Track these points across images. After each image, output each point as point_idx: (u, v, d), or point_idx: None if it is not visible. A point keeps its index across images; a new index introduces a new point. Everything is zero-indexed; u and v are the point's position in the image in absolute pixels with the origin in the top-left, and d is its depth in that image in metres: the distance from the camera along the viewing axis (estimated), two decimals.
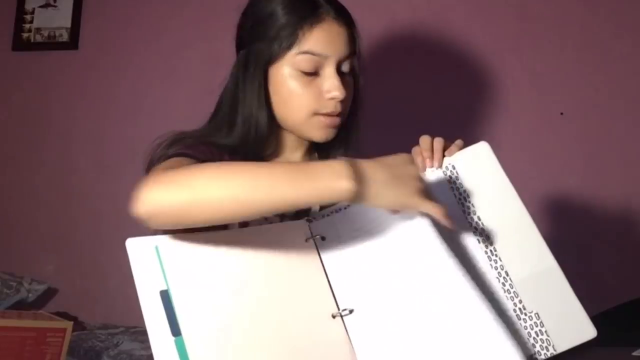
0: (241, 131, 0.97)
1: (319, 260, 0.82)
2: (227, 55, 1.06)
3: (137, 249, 0.70)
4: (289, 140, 1.04)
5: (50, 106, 2.18)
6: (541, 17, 1.79)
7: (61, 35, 2.18)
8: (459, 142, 0.88)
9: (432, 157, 0.87)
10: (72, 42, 2.17)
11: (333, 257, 0.83)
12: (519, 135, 1.71)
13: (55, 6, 2.20)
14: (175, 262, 0.71)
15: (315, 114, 0.94)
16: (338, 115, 0.95)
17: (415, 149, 0.89)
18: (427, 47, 1.86)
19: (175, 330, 0.68)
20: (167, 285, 0.69)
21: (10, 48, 2.21)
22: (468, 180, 0.86)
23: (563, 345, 0.76)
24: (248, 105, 0.97)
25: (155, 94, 2.07)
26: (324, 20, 0.93)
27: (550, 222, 1.68)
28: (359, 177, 0.69)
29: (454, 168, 0.87)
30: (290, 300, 0.78)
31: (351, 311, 0.78)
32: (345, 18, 0.96)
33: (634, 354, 0.91)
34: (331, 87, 0.93)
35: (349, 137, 1.03)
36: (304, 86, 0.93)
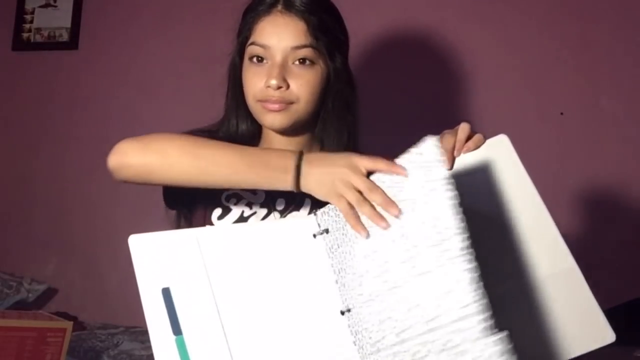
0: (226, 127, 1.06)
1: (326, 256, 0.80)
2: (227, 55, 1.07)
3: (140, 245, 0.71)
4: (275, 138, 1.06)
5: (50, 106, 2.18)
6: (541, 17, 1.79)
7: (61, 35, 2.18)
8: (478, 137, 0.87)
9: (447, 157, 0.84)
10: (72, 42, 2.17)
11: (337, 250, 0.81)
12: (519, 135, 1.70)
13: (55, 6, 2.20)
14: (177, 260, 0.72)
15: (258, 100, 0.99)
16: (280, 102, 0.97)
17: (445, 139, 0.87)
18: (425, 46, 1.86)
19: (176, 329, 0.68)
20: (169, 282, 0.69)
21: (10, 48, 2.22)
22: (485, 175, 0.83)
23: (580, 349, 0.74)
24: (229, 98, 1.07)
25: (155, 93, 2.07)
26: (271, 13, 0.98)
27: None
28: (301, 171, 0.81)
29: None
30: (294, 299, 0.77)
31: (349, 309, 0.77)
32: (298, 11, 0.97)
33: (636, 354, 0.91)
34: (269, 75, 0.96)
35: (338, 130, 1.04)
36: (251, 73, 0.99)
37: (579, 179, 1.71)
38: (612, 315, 1.35)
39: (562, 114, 1.75)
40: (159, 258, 0.71)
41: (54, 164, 2.15)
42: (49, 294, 2.05)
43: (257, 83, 0.98)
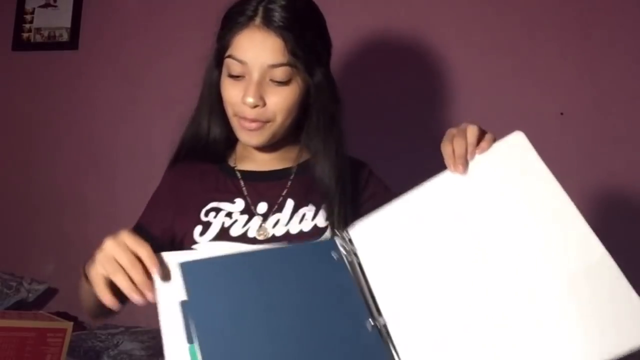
0: (195, 128, 1.08)
1: (349, 275, 0.83)
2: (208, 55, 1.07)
3: (168, 261, 0.79)
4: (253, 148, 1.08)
5: (49, 106, 2.18)
6: (541, 17, 1.79)
7: (61, 35, 2.18)
8: (489, 137, 0.86)
9: (461, 162, 0.84)
10: (72, 42, 2.17)
11: (369, 269, 0.84)
12: None
13: (55, 6, 2.20)
14: (198, 278, 0.77)
15: (235, 115, 0.99)
16: (257, 121, 0.97)
17: (445, 147, 0.87)
18: (424, 46, 1.86)
19: (190, 338, 0.72)
20: (188, 297, 0.75)
21: (10, 48, 2.22)
22: (504, 176, 0.82)
23: (619, 349, 0.66)
24: (203, 101, 1.08)
25: (155, 94, 2.07)
26: (249, 27, 0.95)
27: None
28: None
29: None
30: (314, 318, 0.78)
31: (385, 324, 0.79)
32: (277, 27, 0.94)
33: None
34: (245, 92, 0.95)
35: (325, 141, 1.03)
36: (230, 87, 0.98)
37: (579, 178, 1.71)
38: None
39: (562, 114, 1.75)
40: (180, 275, 0.77)
41: (53, 163, 2.16)
42: (49, 294, 2.05)
43: (234, 97, 0.98)
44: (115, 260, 0.76)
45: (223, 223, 1.00)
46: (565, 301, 0.71)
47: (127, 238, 0.78)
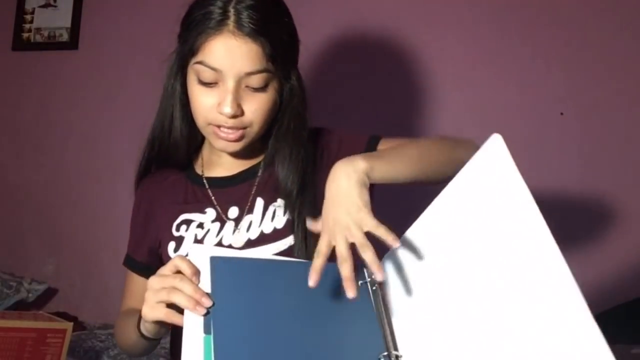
0: (156, 135, 1.08)
1: (371, 303, 0.82)
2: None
3: (193, 255, 0.81)
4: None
5: (49, 106, 2.18)
6: (541, 18, 1.79)
7: (61, 35, 2.18)
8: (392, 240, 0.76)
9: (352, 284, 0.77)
10: (72, 42, 2.17)
11: (390, 300, 0.83)
12: (519, 135, 1.71)
13: (55, 6, 2.20)
14: (225, 274, 0.80)
15: (210, 124, 0.95)
16: (234, 129, 0.94)
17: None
18: (423, 46, 1.86)
19: (207, 329, 0.75)
20: (212, 290, 0.77)
21: (10, 48, 2.22)
22: (483, 197, 0.74)
23: None
24: (164, 102, 1.07)
25: (155, 94, 2.07)
26: (221, 33, 0.90)
27: (549, 222, 1.67)
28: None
29: None
30: (329, 339, 0.78)
31: (397, 357, 0.77)
32: (251, 32, 0.89)
33: (633, 351, 0.91)
34: (222, 101, 0.91)
35: (293, 146, 1.00)
36: (202, 95, 0.93)
37: (579, 179, 1.71)
38: (612, 314, 1.35)
39: (562, 114, 1.75)
40: (208, 269, 0.80)
41: (53, 163, 2.16)
42: (49, 294, 2.05)
43: (207, 105, 0.93)
44: (164, 287, 0.79)
45: (195, 235, 0.99)
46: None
47: (164, 268, 0.81)
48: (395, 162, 0.88)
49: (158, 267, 1.01)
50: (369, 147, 1.03)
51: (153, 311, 0.80)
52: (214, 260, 0.80)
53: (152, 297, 0.80)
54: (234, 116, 0.92)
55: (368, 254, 0.75)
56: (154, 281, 0.80)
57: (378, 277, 0.75)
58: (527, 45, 1.79)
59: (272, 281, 0.82)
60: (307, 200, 0.97)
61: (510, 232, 0.70)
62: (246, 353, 0.73)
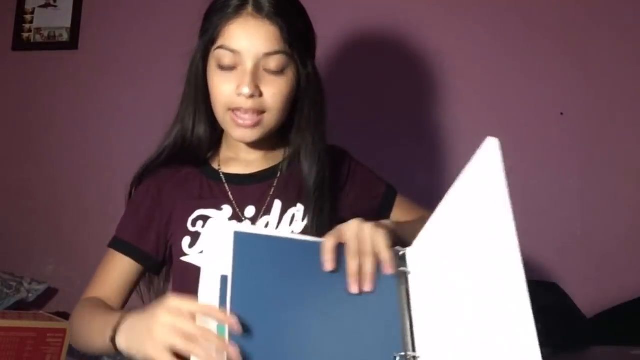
0: (179, 131, 1.05)
1: (395, 295, 0.79)
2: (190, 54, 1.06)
3: (217, 230, 0.77)
4: (239, 143, 1.04)
5: (49, 106, 2.18)
6: (541, 18, 1.79)
7: (61, 35, 2.18)
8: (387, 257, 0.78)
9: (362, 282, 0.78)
10: (72, 42, 2.16)
11: (415, 294, 0.80)
12: (519, 135, 1.71)
13: (55, 6, 2.20)
14: (247, 250, 0.76)
15: (229, 109, 0.95)
16: (252, 113, 0.94)
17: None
18: (421, 46, 1.85)
19: (222, 305, 0.72)
20: (232, 266, 0.74)
21: (10, 48, 2.21)
22: (476, 207, 0.72)
23: None
24: (186, 100, 1.05)
25: (155, 94, 2.07)
26: (240, 16, 0.93)
27: (549, 222, 1.67)
28: (123, 333, 0.77)
29: None
30: (347, 328, 0.76)
31: (415, 358, 0.75)
32: (270, 14, 0.92)
33: (633, 352, 0.91)
34: (240, 83, 0.92)
35: (314, 135, 1.01)
36: (222, 81, 0.95)
37: (579, 179, 1.71)
38: (612, 315, 1.35)
39: (562, 114, 1.75)
40: (230, 246, 0.76)
41: (53, 163, 2.15)
42: (49, 294, 2.05)
43: (227, 90, 0.94)
44: (182, 330, 0.68)
45: None
46: None
47: (180, 304, 0.71)
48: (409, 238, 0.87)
49: (160, 260, 1.00)
50: (384, 201, 1.07)
51: (159, 354, 0.68)
52: (238, 236, 0.77)
53: (164, 338, 0.68)
54: (251, 96, 0.92)
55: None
56: (166, 317, 0.69)
57: (388, 270, 0.77)
58: (527, 46, 1.79)
59: (296, 261, 0.78)
60: (325, 207, 0.98)
61: (486, 240, 0.69)
62: (258, 335, 0.71)
